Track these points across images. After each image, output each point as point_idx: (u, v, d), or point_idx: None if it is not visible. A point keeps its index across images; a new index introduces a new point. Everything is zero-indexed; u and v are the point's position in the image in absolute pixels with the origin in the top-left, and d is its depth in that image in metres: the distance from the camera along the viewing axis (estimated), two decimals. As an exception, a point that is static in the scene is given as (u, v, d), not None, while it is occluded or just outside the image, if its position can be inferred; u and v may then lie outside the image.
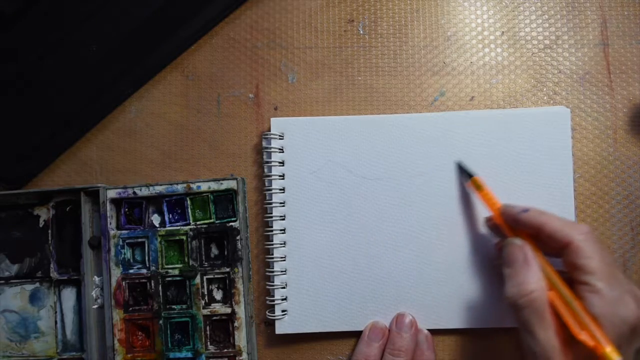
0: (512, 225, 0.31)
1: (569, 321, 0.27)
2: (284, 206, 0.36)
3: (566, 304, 0.27)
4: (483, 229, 0.35)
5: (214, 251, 0.37)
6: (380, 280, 0.35)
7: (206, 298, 0.36)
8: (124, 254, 0.36)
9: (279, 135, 0.36)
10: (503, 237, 0.33)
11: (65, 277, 0.37)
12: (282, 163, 0.36)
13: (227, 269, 0.35)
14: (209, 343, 0.36)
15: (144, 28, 0.37)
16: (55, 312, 0.37)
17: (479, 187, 0.34)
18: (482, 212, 0.35)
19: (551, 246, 0.29)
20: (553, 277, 0.28)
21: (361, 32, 0.38)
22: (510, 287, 0.29)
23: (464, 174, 0.35)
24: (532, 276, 0.28)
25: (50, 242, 0.38)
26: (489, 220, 0.34)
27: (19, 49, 0.37)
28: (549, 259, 0.29)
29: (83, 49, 0.37)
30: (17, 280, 0.38)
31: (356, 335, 0.36)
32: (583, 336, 0.26)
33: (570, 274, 0.28)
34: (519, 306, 0.28)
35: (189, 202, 0.36)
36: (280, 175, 0.36)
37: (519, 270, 0.29)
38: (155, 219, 0.37)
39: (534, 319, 0.27)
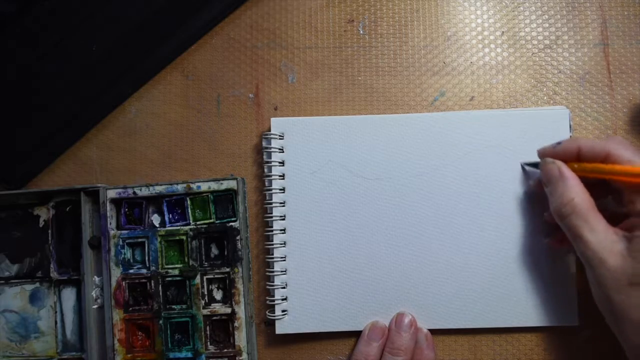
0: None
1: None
2: (284, 206, 0.36)
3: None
4: (483, 228, 0.35)
5: (214, 251, 0.37)
6: (380, 280, 0.35)
7: (206, 298, 0.36)
8: (124, 254, 0.36)
9: (279, 135, 0.36)
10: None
11: (65, 277, 0.37)
12: (282, 163, 0.36)
13: (227, 269, 0.35)
14: (209, 343, 0.36)
15: (144, 28, 0.37)
16: (55, 312, 0.37)
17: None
18: (482, 211, 0.35)
19: (594, 162, 0.30)
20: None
21: (361, 32, 0.38)
22: (552, 201, 0.30)
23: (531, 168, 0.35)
24: (570, 186, 0.29)
25: (50, 242, 0.38)
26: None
27: (19, 49, 0.37)
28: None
29: (83, 49, 0.37)
30: (17, 280, 0.38)
31: (356, 335, 0.36)
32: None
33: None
34: (562, 215, 0.29)
35: (189, 202, 0.36)
36: (280, 175, 0.36)
37: (556, 184, 0.30)
38: (155, 219, 0.37)
39: (580, 222, 0.28)
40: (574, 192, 0.29)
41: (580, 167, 0.30)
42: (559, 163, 0.31)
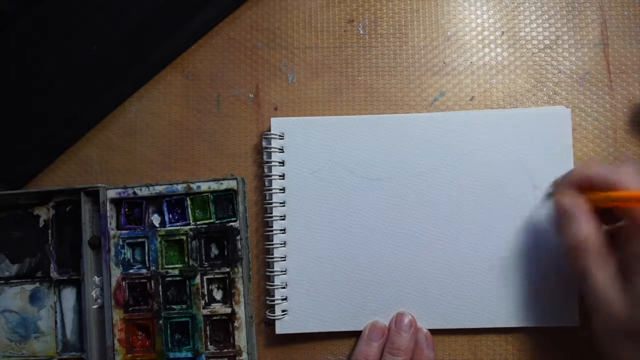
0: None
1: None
2: (284, 206, 0.36)
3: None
4: (483, 228, 0.35)
5: (214, 251, 0.37)
6: (380, 280, 0.35)
7: (206, 298, 0.36)
8: (124, 254, 0.36)
9: (279, 135, 0.36)
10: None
11: (65, 277, 0.37)
12: (282, 163, 0.36)
13: (227, 269, 0.35)
14: (209, 343, 0.36)
15: (144, 28, 0.37)
16: (55, 312, 0.37)
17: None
18: (482, 211, 0.35)
19: (607, 190, 0.29)
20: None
21: (361, 32, 0.38)
22: (563, 236, 0.30)
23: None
24: (583, 222, 0.29)
25: (50, 242, 0.38)
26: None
27: (19, 49, 0.37)
28: None
29: (83, 49, 0.37)
30: (17, 280, 0.38)
31: (356, 335, 0.36)
32: None
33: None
34: (573, 252, 0.29)
35: (189, 202, 0.36)
36: (280, 175, 0.36)
37: (569, 218, 0.29)
38: (155, 219, 0.37)
39: (590, 261, 0.28)
40: (586, 228, 0.28)
41: (594, 197, 0.29)
42: (575, 197, 0.30)
